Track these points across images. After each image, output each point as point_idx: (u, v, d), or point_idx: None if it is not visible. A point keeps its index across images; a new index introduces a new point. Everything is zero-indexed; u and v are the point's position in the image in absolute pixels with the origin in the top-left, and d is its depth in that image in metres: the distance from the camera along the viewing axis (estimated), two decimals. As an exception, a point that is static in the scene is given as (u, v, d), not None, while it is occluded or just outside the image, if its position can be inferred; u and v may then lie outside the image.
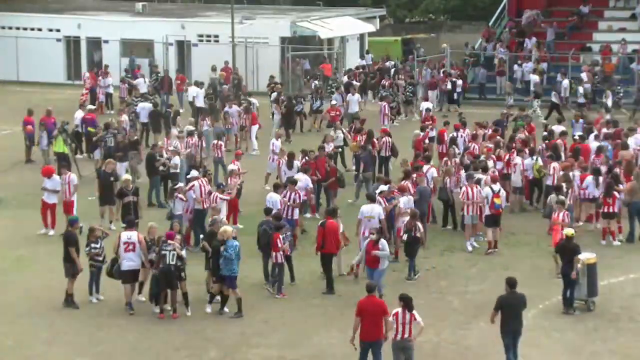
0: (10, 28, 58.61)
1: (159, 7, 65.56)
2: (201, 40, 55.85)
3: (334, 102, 43.35)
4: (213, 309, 22.89)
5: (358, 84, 48.30)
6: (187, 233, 26.72)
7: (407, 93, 47.00)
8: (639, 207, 28.17)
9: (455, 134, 34.24)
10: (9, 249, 27.81)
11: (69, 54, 57.85)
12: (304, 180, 28.90)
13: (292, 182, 28.01)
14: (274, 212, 25.35)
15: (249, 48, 53.61)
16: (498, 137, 33.54)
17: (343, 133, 36.38)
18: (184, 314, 22.73)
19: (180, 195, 26.93)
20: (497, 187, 27.70)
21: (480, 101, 50.22)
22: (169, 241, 22.58)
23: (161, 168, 31.62)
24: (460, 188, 28.50)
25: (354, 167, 34.09)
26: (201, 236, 24.99)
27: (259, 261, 25.06)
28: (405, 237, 25.26)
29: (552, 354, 21.05)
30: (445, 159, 31.51)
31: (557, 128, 35.12)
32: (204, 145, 35.01)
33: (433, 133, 36.36)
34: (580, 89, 45.84)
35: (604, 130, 34.91)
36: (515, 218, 30.32)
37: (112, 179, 29.42)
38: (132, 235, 23.07)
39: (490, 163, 30.11)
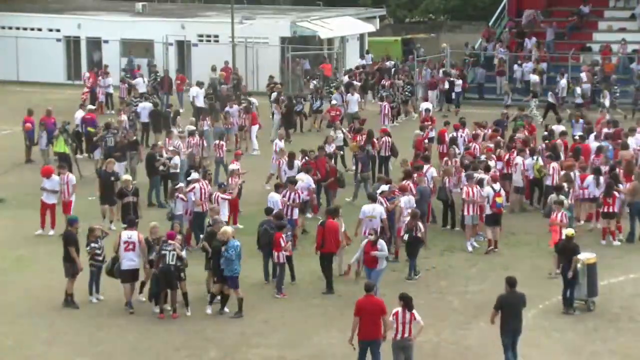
0: (10, 28, 58.59)
1: (159, 7, 65.56)
2: (201, 40, 55.85)
3: (334, 102, 43.36)
4: (213, 310, 22.88)
5: (359, 84, 48.31)
6: (187, 234, 26.72)
7: (406, 92, 46.99)
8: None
9: (455, 134, 34.25)
10: (9, 249, 27.80)
11: (69, 54, 57.84)
12: (306, 179, 28.92)
13: (292, 181, 28.02)
14: (275, 211, 25.36)
15: (249, 48, 53.61)
16: (498, 137, 33.58)
17: (343, 133, 36.39)
18: (184, 314, 22.73)
19: (181, 196, 26.93)
20: (497, 186, 27.77)
21: (480, 101, 50.23)
22: (170, 241, 22.59)
23: (161, 168, 31.62)
24: (461, 188, 28.51)
25: (354, 167, 34.09)
26: (201, 236, 24.99)
27: (259, 261, 25.07)
28: (406, 237, 25.28)
29: (552, 354, 21.05)
30: (445, 159, 31.53)
31: (557, 128, 35.16)
32: (205, 145, 35.02)
33: (432, 133, 36.40)
34: (578, 89, 45.85)
35: (605, 130, 34.92)
36: (515, 218, 30.32)
37: (112, 178, 29.42)
38: (133, 235, 23.08)
39: (492, 163, 30.11)
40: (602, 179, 28.88)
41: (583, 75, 47.16)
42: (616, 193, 27.91)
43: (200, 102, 44.32)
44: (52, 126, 36.74)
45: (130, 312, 22.88)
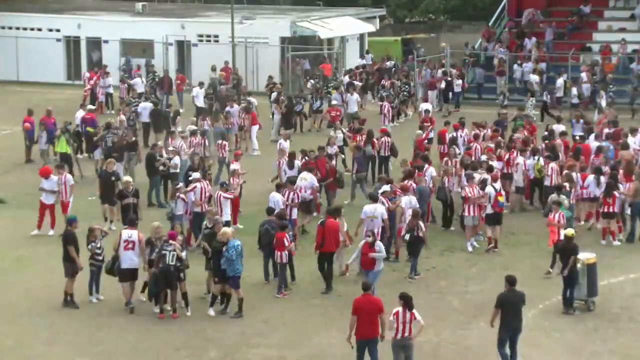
0: (10, 28, 58.60)
1: (159, 7, 65.57)
2: (201, 40, 55.85)
3: (334, 102, 43.35)
4: (216, 311, 22.82)
5: (360, 84, 48.30)
6: (188, 234, 26.71)
7: (404, 92, 46.96)
8: (640, 207, 28.28)
9: (455, 134, 34.25)
10: (9, 249, 27.81)
11: (69, 54, 57.85)
12: (309, 178, 28.93)
13: (292, 181, 28.02)
14: (277, 211, 25.35)
15: (249, 48, 53.60)
16: (499, 137, 33.60)
17: (343, 133, 36.39)
18: (184, 314, 22.73)
19: (182, 196, 26.92)
20: (498, 185, 27.78)
21: (479, 101, 50.23)
22: (171, 241, 22.59)
23: (161, 168, 31.61)
24: (462, 188, 28.50)
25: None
26: (200, 236, 24.94)
27: (259, 261, 25.07)
28: (407, 236, 25.28)
29: (552, 354, 21.05)
30: (445, 159, 31.54)
31: (557, 128, 35.16)
32: (207, 144, 35.01)
33: (432, 134, 36.39)
34: (574, 90, 45.86)
35: (606, 130, 34.92)
36: (515, 218, 30.32)
37: (113, 178, 29.42)
38: (133, 234, 23.09)
39: (494, 163, 30.10)
40: (602, 178, 28.88)
41: (583, 75, 47.17)
42: (616, 193, 27.92)
43: (200, 102, 44.33)
44: (52, 126, 36.75)
45: (131, 307, 22.87)
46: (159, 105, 42.69)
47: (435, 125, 37.67)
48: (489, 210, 27.27)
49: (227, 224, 25.65)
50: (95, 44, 57.41)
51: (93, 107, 41.43)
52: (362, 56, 57.68)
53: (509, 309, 19.64)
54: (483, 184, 27.69)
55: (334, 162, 31.73)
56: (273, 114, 42.42)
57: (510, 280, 19.89)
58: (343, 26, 58.12)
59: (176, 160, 31.87)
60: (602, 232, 28.25)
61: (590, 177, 29.16)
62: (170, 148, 32.93)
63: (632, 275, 25.77)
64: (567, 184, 28.43)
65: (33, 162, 37.07)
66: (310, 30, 55.60)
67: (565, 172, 29.48)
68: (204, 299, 23.45)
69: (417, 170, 28.94)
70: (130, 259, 22.93)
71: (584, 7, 53.48)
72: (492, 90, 50.88)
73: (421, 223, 25.46)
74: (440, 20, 75.59)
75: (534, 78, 47.84)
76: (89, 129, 36.91)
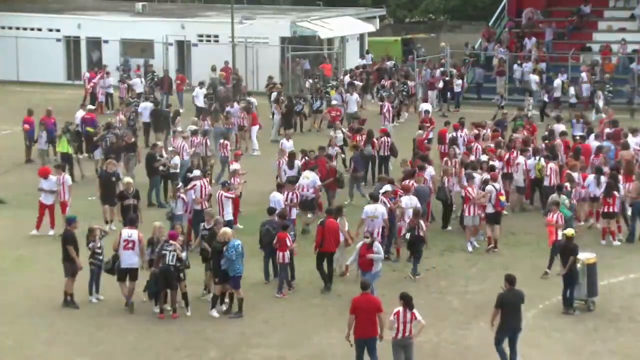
0: (10, 28, 58.61)
1: (159, 7, 65.57)
2: (201, 40, 55.86)
3: (334, 102, 43.34)
4: (218, 311, 22.82)
5: (360, 84, 48.29)
6: (188, 232, 26.71)
7: (402, 92, 46.94)
8: (640, 207, 28.28)
9: (454, 134, 34.24)
10: (9, 249, 27.80)
11: (69, 54, 57.85)
12: (312, 177, 28.95)
13: (292, 181, 28.01)
14: (278, 211, 25.34)
15: (249, 48, 53.60)
16: (499, 137, 33.60)
17: (343, 133, 36.39)
18: (184, 314, 22.73)
19: (183, 195, 26.91)
20: (498, 185, 27.79)
21: (478, 101, 50.22)
22: (171, 241, 22.58)
23: (161, 168, 31.61)
24: (463, 188, 28.48)
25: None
26: (199, 236, 24.89)
27: (259, 261, 25.07)
28: (408, 235, 25.28)
29: (552, 354, 21.05)
30: (445, 159, 31.53)
31: (558, 128, 35.16)
32: (208, 143, 35.03)
33: (431, 135, 36.39)
34: (572, 89, 45.83)
35: (607, 130, 34.92)
36: (516, 218, 30.33)
37: (113, 178, 29.42)
38: (133, 234, 23.10)
39: (495, 163, 30.09)
40: (603, 178, 28.88)
41: (583, 75, 47.17)
42: (616, 193, 27.92)
43: (200, 102, 44.33)
44: (52, 126, 36.75)
45: (131, 303, 22.87)
46: (159, 105, 42.67)
47: (435, 125, 37.68)
48: (490, 209, 27.27)
49: (228, 223, 25.64)
50: (95, 44, 57.42)
51: (93, 107, 41.42)
52: (362, 56, 57.70)
53: (509, 309, 19.65)
54: (485, 184, 27.69)
55: (334, 162, 31.74)
56: (273, 114, 42.42)
57: (510, 280, 19.91)
58: (343, 26, 58.13)
59: (176, 160, 31.86)
60: (602, 232, 28.25)
61: (591, 177, 29.17)
62: (170, 148, 32.90)
63: (632, 275, 25.77)
64: (568, 184, 28.43)
65: (33, 162, 37.06)
66: (310, 30, 55.60)
67: (566, 171, 29.48)
68: (204, 299, 23.44)
69: (418, 170, 28.93)
70: (129, 259, 22.93)
71: (584, 7, 53.50)
72: (492, 90, 50.74)
73: (422, 222, 25.47)
74: (440, 20, 75.60)
75: (534, 78, 47.85)
76: (88, 129, 36.89)
